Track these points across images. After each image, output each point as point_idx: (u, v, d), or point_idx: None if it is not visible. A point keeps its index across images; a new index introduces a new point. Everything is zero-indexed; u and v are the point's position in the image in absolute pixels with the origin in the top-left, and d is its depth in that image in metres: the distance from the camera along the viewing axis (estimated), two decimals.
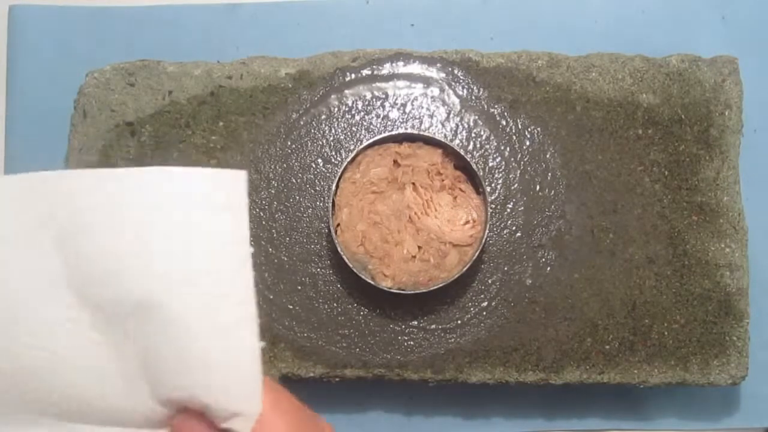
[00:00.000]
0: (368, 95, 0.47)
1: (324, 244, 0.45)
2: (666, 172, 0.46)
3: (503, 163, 0.46)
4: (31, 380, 0.24)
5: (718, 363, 0.44)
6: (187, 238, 0.23)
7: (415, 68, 0.47)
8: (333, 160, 0.46)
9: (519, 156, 0.46)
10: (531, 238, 0.45)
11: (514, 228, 0.45)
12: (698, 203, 0.45)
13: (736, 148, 0.46)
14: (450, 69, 0.47)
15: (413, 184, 0.44)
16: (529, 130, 0.46)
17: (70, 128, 0.46)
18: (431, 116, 0.46)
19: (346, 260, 0.42)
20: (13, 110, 0.51)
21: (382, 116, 0.46)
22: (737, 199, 0.45)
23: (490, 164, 0.46)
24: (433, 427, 0.48)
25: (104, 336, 0.24)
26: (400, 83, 0.47)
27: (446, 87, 0.47)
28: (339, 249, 0.42)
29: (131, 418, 0.24)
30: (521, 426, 0.48)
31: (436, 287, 0.42)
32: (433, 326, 0.44)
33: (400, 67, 0.47)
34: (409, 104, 0.46)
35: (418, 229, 0.43)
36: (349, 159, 0.44)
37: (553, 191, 0.45)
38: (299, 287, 0.45)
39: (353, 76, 0.47)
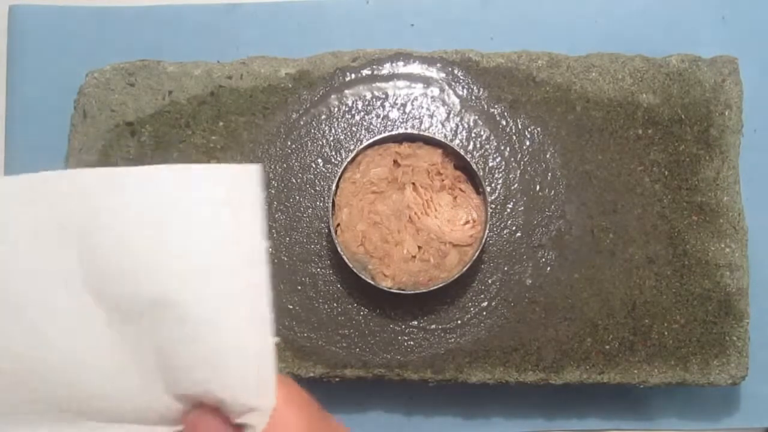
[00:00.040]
0: (368, 95, 0.47)
1: (324, 244, 0.45)
2: (666, 172, 0.46)
3: (503, 163, 0.46)
4: (48, 379, 0.24)
5: (718, 363, 0.44)
6: (202, 235, 0.23)
7: (415, 68, 0.47)
8: (333, 160, 0.46)
9: (519, 156, 0.46)
10: (531, 238, 0.45)
11: (514, 228, 0.45)
12: (698, 203, 0.45)
13: (736, 148, 0.46)
14: (450, 69, 0.47)
15: (413, 184, 0.44)
16: (529, 130, 0.46)
17: (70, 128, 0.46)
18: (431, 116, 0.46)
19: (346, 260, 0.42)
20: (13, 110, 0.51)
21: (382, 116, 0.46)
22: (737, 199, 0.45)
23: (490, 164, 0.46)
24: (433, 427, 0.48)
25: (120, 333, 0.24)
26: (400, 83, 0.47)
27: (446, 87, 0.47)
28: (339, 249, 0.42)
29: (146, 415, 0.24)
30: (521, 426, 0.48)
31: (436, 287, 0.42)
32: (433, 326, 0.44)
33: (400, 67, 0.47)
34: (409, 104, 0.46)
35: (418, 229, 0.43)
36: (349, 159, 0.44)
37: (553, 191, 0.45)
38: (299, 287, 0.45)
39: (353, 76, 0.47)
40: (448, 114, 0.46)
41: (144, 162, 0.45)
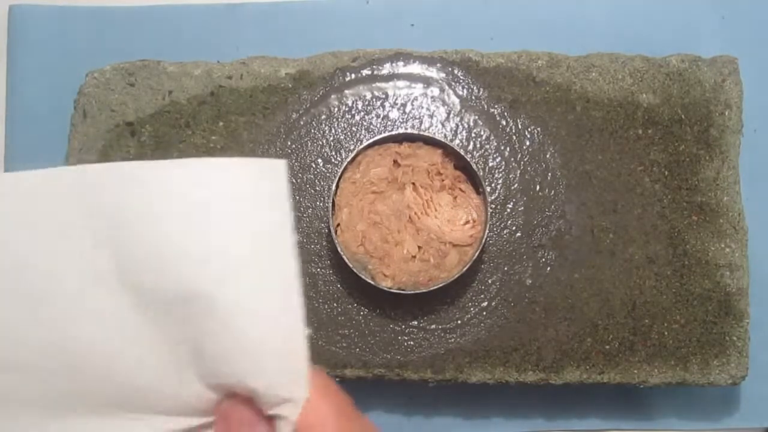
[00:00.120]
0: (368, 95, 0.47)
1: (324, 244, 0.45)
2: (666, 172, 0.46)
3: (503, 163, 0.46)
4: (80, 371, 0.24)
5: (718, 363, 0.44)
6: (233, 228, 0.23)
7: (415, 68, 0.47)
8: (333, 160, 0.46)
9: (519, 156, 0.46)
10: (531, 238, 0.45)
11: (514, 228, 0.45)
12: (698, 203, 0.45)
13: (736, 148, 0.46)
14: (450, 69, 0.47)
15: (413, 184, 0.44)
16: (529, 130, 0.46)
17: (70, 128, 0.46)
18: (431, 116, 0.46)
19: (346, 260, 0.42)
20: (13, 110, 0.51)
21: (382, 116, 0.46)
22: (737, 199, 0.45)
23: (490, 164, 0.46)
24: (433, 427, 0.48)
25: (152, 325, 0.24)
26: (400, 83, 0.47)
27: (446, 87, 0.47)
28: (339, 249, 0.42)
29: (178, 406, 0.25)
30: (521, 426, 0.48)
31: (436, 287, 0.42)
32: (433, 326, 0.44)
33: (400, 67, 0.47)
34: (409, 104, 0.46)
35: (418, 229, 0.43)
36: (349, 159, 0.44)
37: (553, 191, 0.45)
38: None
39: (353, 76, 0.47)
40: (448, 114, 0.46)
41: None
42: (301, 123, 0.46)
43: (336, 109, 0.46)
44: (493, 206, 0.45)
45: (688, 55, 0.47)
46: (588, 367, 0.44)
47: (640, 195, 0.45)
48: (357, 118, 0.46)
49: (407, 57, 0.47)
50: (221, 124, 0.46)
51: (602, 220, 0.45)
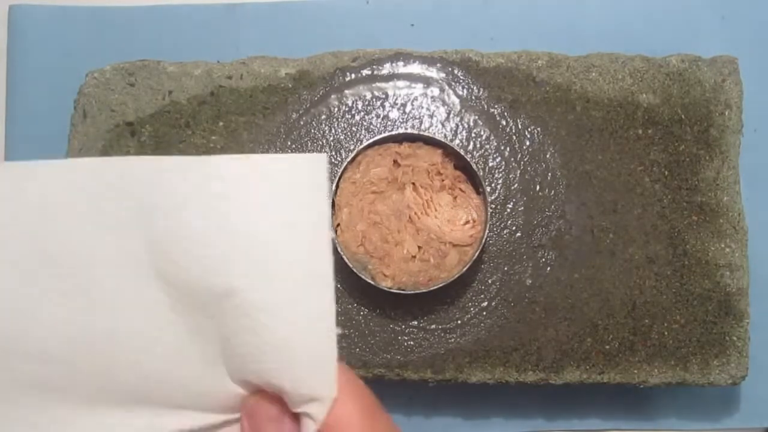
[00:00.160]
0: (368, 95, 0.47)
1: None
2: (666, 172, 0.46)
3: (503, 163, 0.46)
4: (110, 363, 0.24)
5: (718, 363, 0.44)
6: (269, 224, 0.23)
7: (415, 68, 0.47)
8: (333, 160, 0.46)
9: (519, 156, 0.46)
10: (531, 238, 0.45)
11: (514, 228, 0.45)
12: (698, 203, 0.45)
13: (736, 148, 0.46)
14: (450, 69, 0.47)
15: (413, 184, 0.44)
16: (529, 130, 0.46)
17: (70, 128, 0.46)
18: (431, 116, 0.46)
19: (346, 260, 0.42)
20: (13, 110, 0.51)
21: (382, 116, 0.46)
22: (737, 199, 0.45)
23: (490, 164, 0.46)
24: (433, 427, 0.48)
25: (184, 319, 0.24)
26: (400, 83, 0.47)
27: (446, 87, 0.47)
28: (339, 249, 0.42)
29: (206, 402, 0.24)
30: (521, 426, 0.48)
31: (436, 287, 0.42)
32: (433, 326, 0.44)
33: (400, 67, 0.47)
34: (409, 104, 0.46)
35: (418, 229, 0.43)
36: (349, 159, 0.44)
37: (553, 191, 0.45)
38: None
39: (353, 76, 0.47)
40: (448, 114, 0.46)
41: None
42: (301, 123, 0.46)
43: (336, 109, 0.46)
44: (493, 206, 0.45)
45: (688, 55, 0.47)
46: (588, 367, 0.44)
47: (640, 195, 0.45)
48: (357, 118, 0.46)
49: (407, 57, 0.47)
50: (221, 124, 0.46)
51: (602, 220, 0.45)
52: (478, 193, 0.44)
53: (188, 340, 0.24)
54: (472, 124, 0.46)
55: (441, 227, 0.43)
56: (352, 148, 0.46)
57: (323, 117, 0.46)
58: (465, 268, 0.43)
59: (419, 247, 0.43)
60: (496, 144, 0.46)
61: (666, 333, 0.44)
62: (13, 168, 0.24)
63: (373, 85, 0.47)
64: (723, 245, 0.45)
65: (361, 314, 0.44)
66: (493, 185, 0.46)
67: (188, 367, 0.24)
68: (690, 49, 0.47)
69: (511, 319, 0.44)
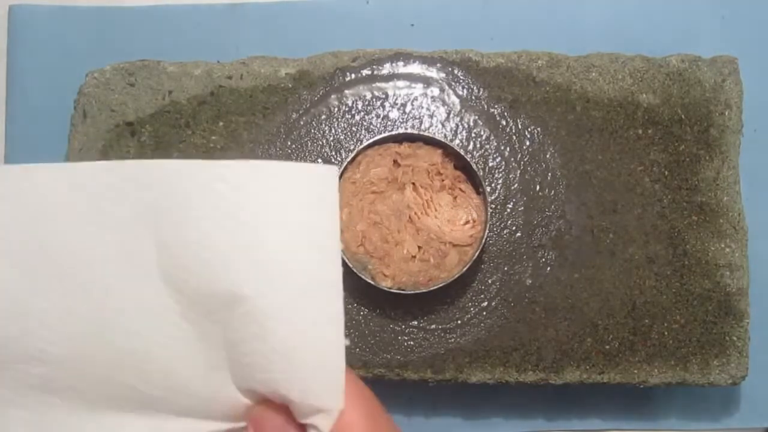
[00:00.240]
0: (368, 95, 0.47)
1: None
2: (666, 172, 0.46)
3: (503, 163, 0.46)
4: (116, 368, 0.24)
5: (718, 363, 0.44)
6: (279, 233, 0.23)
7: (415, 68, 0.47)
8: (333, 160, 0.46)
9: (519, 156, 0.46)
10: (531, 238, 0.45)
11: (514, 228, 0.45)
12: (698, 203, 0.45)
13: (736, 148, 0.46)
14: (450, 69, 0.47)
15: (413, 184, 0.44)
16: (529, 130, 0.46)
17: (70, 128, 0.46)
18: (431, 116, 0.46)
19: (346, 260, 0.42)
20: (13, 110, 0.51)
21: (382, 116, 0.46)
22: (737, 199, 0.45)
23: (490, 164, 0.46)
24: (433, 427, 0.48)
25: (192, 326, 0.24)
26: (400, 83, 0.47)
27: (446, 87, 0.47)
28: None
29: (211, 409, 0.24)
30: (521, 426, 0.48)
31: (436, 287, 0.42)
32: (433, 326, 0.44)
33: (400, 67, 0.47)
34: (409, 104, 0.46)
35: (418, 229, 0.43)
36: (349, 159, 0.44)
37: (553, 191, 0.45)
38: None
39: (353, 76, 0.47)
40: (448, 114, 0.46)
41: None
42: (301, 123, 0.46)
43: (336, 109, 0.46)
44: (493, 206, 0.45)
45: (688, 55, 0.47)
46: (588, 367, 0.44)
47: (640, 195, 0.45)
48: (357, 118, 0.46)
49: (407, 57, 0.47)
50: (221, 124, 0.46)
51: (602, 220, 0.45)
52: (478, 193, 0.44)
53: (194, 347, 0.24)
54: (472, 124, 0.46)
55: (441, 227, 0.43)
56: (352, 148, 0.46)
57: (323, 117, 0.46)
58: (465, 268, 0.43)
59: (419, 247, 0.43)
60: (496, 144, 0.46)
61: (666, 333, 0.44)
62: (13, 170, 0.24)
63: (373, 85, 0.47)
64: (723, 245, 0.45)
65: (361, 314, 0.44)
66: (493, 185, 0.46)
67: (194, 373, 0.24)
68: (690, 49, 0.47)
69: (511, 319, 0.44)
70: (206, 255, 0.23)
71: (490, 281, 0.45)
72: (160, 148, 0.46)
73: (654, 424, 0.48)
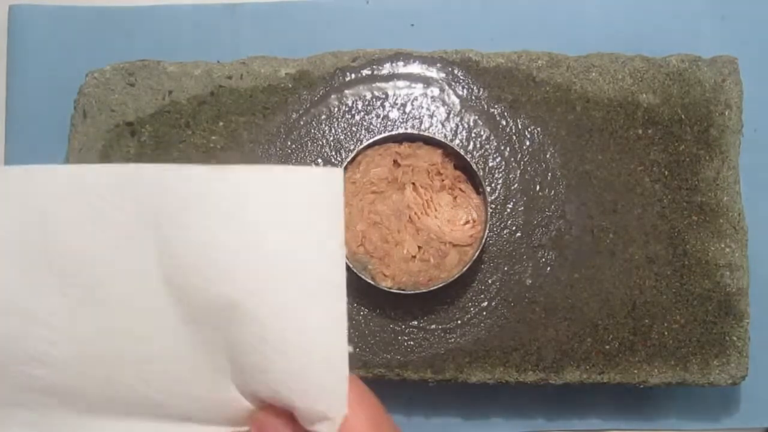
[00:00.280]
0: (368, 95, 0.47)
1: None
2: (666, 172, 0.46)
3: (503, 163, 0.46)
4: (118, 372, 0.24)
5: (718, 363, 0.44)
6: (282, 237, 0.23)
7: (415, 68, 0.47)
8: (333, 160, 0.46)
9: (519, 156, 0.46)
10: (531, 238, 0.45)
11: (514, 228, 0.45)
12: (698, 203, 0.45)
13: (736, 148, 0.46)
14: (450, 69, 0.47)
15: (413, 184, 0.44)
16: (529, 130, 0.46)
17: (70, 128, 0.46)
18: (431, 116, 0.46)
19: (346, 260, 0.42)
20: (13, 110, 0.51)
21: (382, 116, 0.46)
22: (737, 199, 0.45)
23: (490, 164, 0.46)
24: (433, 427, 0.48)
25: (194, 330, 0.24)
26: (400, 83, 0.47)
27: (446, 87, 0.47)
28: None
29: (214, 414, 0.24)
30: (521, 426, 0.48)
31: (436, 287, 0.42)
32: (433, 326, 0.44)
33: (400, 67, 0.47)
34: (409, 104, 0.46)
35: (418, 229, 0.43)
36: (349, 159, 0.44)
37: (553, 191, 0.45)
38: None
39: (353, 76, 0.47)
40: (448, 114, 0.46)
41: (143, 162, 0.45)
42: (301, 123, 0.46)
43: (336, 109, 0.46)
44: (493, 206, 0.45)
45: (688, 55, 0.47)
46: (588, 367, 0.44)
47: (640, 195, 0.45)
48: (357, 118, 0.46)
49: (407, 57, 0.47)
50: (221, 124, 0.46)
51: (602, 220, 0.45)
52: (478, 193, 0.44)
53: (196, 349, 0.24)
54: (472, 124, 0.46)
55: (441, 227, 0.43)
56: (352, 148, 0.46)
57: (323, 117, 0.46)
58: (465, 268, 0.43)
59: (419, 247, 0.43)
60: (496, 144, 0.46)
61: (666, 333, 0.44)
62: (14, 170, 0.24)
63: (373, 85, 0.47)
64: (723, 245, 0.45)
65: (361, 314, 0.44)
66: (493, 185, 0.46)
67: (196, 376, 0.24)
68: (690, 49, 0.47)
69: (511, 319, 0.44)
70: (207, 256, 0.23)
71: (490, 281, 0.45)
72: (160, 148, 0.46)
73: (654, 424, 0.48)
